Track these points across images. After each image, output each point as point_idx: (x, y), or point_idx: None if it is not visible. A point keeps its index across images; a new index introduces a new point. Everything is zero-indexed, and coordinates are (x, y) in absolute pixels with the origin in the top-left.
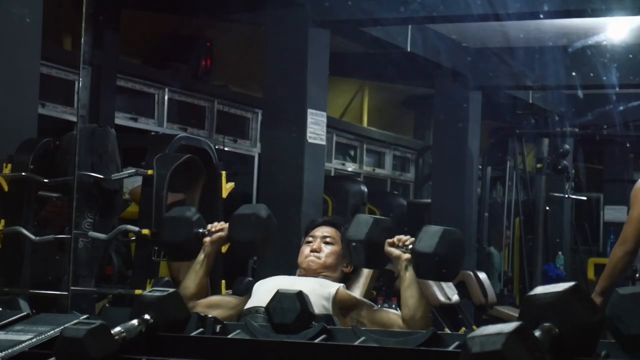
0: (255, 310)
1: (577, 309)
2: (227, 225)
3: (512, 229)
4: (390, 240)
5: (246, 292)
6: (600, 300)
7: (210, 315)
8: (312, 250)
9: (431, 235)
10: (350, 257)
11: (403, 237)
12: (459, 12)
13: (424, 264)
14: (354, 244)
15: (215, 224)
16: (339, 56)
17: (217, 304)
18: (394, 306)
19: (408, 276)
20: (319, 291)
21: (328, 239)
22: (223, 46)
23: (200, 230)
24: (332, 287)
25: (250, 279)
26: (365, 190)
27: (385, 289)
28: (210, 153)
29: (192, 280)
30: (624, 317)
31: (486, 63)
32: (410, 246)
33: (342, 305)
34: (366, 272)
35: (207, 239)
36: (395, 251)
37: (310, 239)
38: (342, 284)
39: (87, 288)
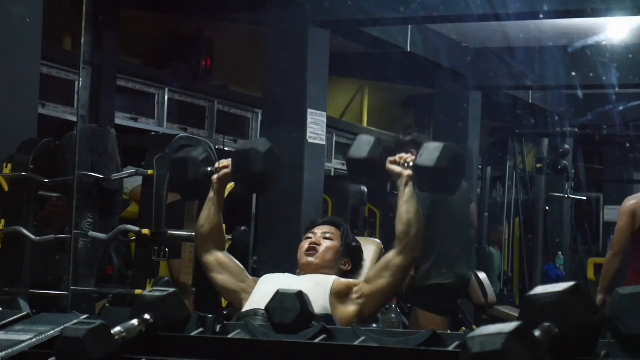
0: (254, 312)
1: (577, 309)
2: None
3: (512, 228)
4: (392, 159)
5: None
6: (601, 298)
7: (214, 277)
8: (312, 244)
9: (432, 150)
10: (352, 175)
11: (405, 155)
12: (459, 12)
13: (426, 178)
14: (355, 160)
15: (222, 160)
16: (339, 56)
17: (226, 267)
18: (393, 306)
19: (407, 192)
20: (317, 288)
21: (328, 235)
22: (223, 46)
23: (209, 169)
24: (328, 283)
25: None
26: (365, 190)
27: None
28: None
29: (205, 218)
30: (624, 317)
31: (486, 63)
32: (412, 164)
33: (339, 294)
34: (365, 271)
35: (215, 176)
36: (397, 168)
37: (310, 235)
38: (336, 277)
39: (87, 288)
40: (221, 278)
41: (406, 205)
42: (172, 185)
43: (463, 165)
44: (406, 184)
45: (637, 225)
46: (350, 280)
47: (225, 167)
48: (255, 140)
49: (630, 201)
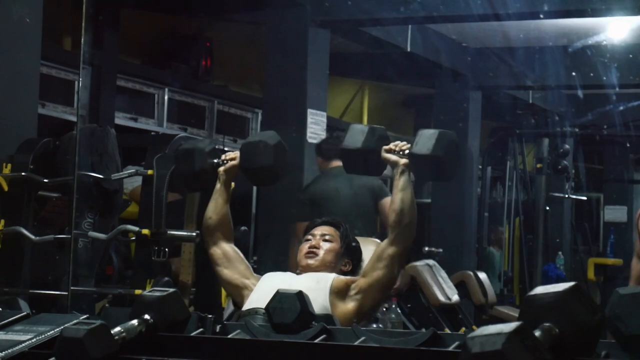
0: (255, 311)
1: (577, 309)
2: (239, 153)
3: (512, 228)
4: (387, 147)
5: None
6: None
7: (220, 270)
8: (311, 247)
9: (428, 137)
10: (347, 166)
11: (400, 143)
12: (459, 12)
13: (422, 166)
14: (350, 149)
15: (229, 153)
16: (339, 56)
17: (232, 261)
18: (393, 306)
19: (402, 180)
20: (317, 287)
21: (327, 237)
22: (223, 46)
23: (215, 161)
24: (328, 280)
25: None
26: None
27: None
28: None
29: (212, 209)
30: (624, 317)
31: (486, 63)
32: (407, 152)
33: (339, 291)
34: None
35: (221, 168)
36: (393, 157)
37: (309, 237)
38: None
39: (87, 288)
40: (226, 272)
41: (401, 194)
42: (179, 177)
43: (459, 151)
44: (402, 173)
45: None
46: (349, 277)
47: (232, 159)
48: (264, 133)
49: None
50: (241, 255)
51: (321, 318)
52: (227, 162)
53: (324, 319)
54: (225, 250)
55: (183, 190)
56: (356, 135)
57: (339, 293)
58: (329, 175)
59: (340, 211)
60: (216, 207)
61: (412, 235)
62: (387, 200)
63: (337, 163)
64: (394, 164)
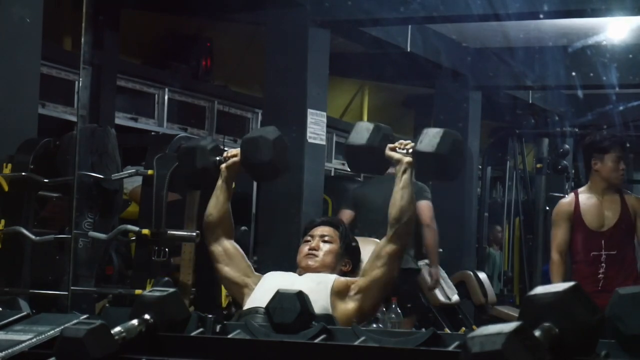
0: (255, 310)
1: (577, 309)
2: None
3: (512, 228)
4: (391, 145)
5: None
6: None
7: (220, 268)
8: (311, 249)
9: (432, 136)
10: (350, 164)
11: (404, 141)
12: (459, 12)
13: (426, 164)
14: (354, 146)
15: (231, 150)
16: (339, 56)
17: (232, 259)
18: (393, 306)
19: (404, 178)
20: (318, 288)
21: (326, 238)
22: (223, 46)
23: (217, 158)
24: (329, 281)
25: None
26: None
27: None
28: None
29: (213, 206)
30: (624, 317)
31: (486, 63)
32: (411, 150)
33: (339, 292)
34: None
35: (223, 165)
36: (397, 155)
37: (308, 238)
38: (337, 275)
39: (87, 288)
40: (227, 270)
41: (401, 192)
42: (181, 175)
43: (463, 150)
44: (405, 171)
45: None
46: (349, 278)
47: (234, 155)
48: (264, 128)
49: None
50: (242, 252)
51: (321, 318)
52: (228, 159)
53: (324, 319)
54: (226, 248)
55: (183, 190)
56: (361, 132)
57: (339, 294)
58: (378, 180)
59: (372, 218)
60: (217, 203)
61: (409, 233)
62: (422, 204)
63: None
64: (398, 162)
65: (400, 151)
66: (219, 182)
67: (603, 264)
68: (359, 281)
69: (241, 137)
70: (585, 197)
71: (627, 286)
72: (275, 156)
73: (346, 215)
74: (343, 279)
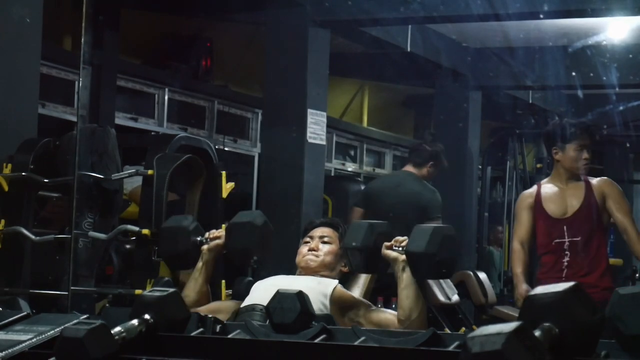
0: (252, 307)
1: (577, 309)
2: (224, 232)
3: (512, 229)
4: (387, 244)
5: (246, 293)
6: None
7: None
8: (310, 250)
9: (421, 234)
10: (350, 264)
11: (400, 238)
12: (459, 12)
13: (417, 264)
14: (351, 248)
15: (213, 231)
16: (339, 56)
17: (218, 309)
18: (393, 306)
19: (405, 277)
20: (317, 289)
21: (326, 239)
22: (223, 46)
23: (198, 239)
24: (329, 286)
25: (250, 278)
26: None
27: (385, 289)
28: (210, 153)
29: (191, 288)
30: (624, 317)
31: (486, 63)
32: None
33: (339, 303)
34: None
35: (205, 247)
36: (392, 253)
37: (308, 239)
38: (338, 282)
39: (87, 288)
40: (222, 317)
41: (406, 291)
42: (162, 255)
43: (454, 246)
44: (403, 269)
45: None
46: (357, 299)
47: (217, 237)
48: (250, 213)
49: None
50: (222, 296)
51: (321, 318)
52: (210, 241)
53: (324, 319)
54: (206, 310)
55: (183, 191)
56: (356, 233)
57: (339, 305)
58: (389, 177)
59: (383, 216)
60: (195, 285)
61: (424, 325)
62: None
63: (407, 168)
64: (394, 261)
65: (396, 249)
66: (199, 264)
67: (567, 252)
68: (370, 315)
69: (241, 137)
70: (548, 187)
71: (594, 277)
72: (261, 242)
73: (357, 213)
74: (346, 292)
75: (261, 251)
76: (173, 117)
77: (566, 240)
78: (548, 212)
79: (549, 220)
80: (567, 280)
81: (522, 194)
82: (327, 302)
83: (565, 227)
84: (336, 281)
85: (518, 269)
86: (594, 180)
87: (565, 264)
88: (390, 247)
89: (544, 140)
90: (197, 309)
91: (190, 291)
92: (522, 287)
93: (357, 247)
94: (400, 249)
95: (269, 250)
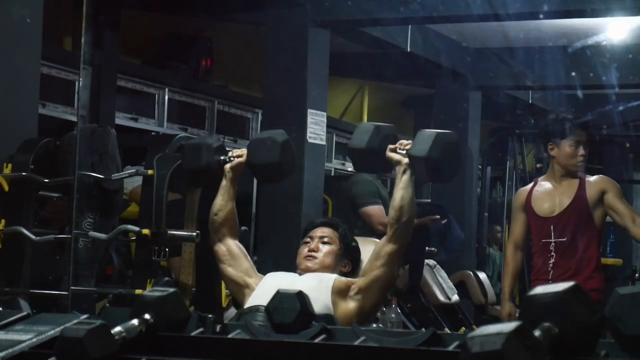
0: (256, 309)
1: (577, 309)
2: (246, 150)
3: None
4: (392, 146)
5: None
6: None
7: (224, 268)
8: (310, 250)
9: (425, 139)
10: (354, 164)
11: (404, 142)
12: (459, 12)
13: (419, 168)
14: (356, 148)
15: (235, 150)
16: (339, 56)
17: (236, 259)
18: (393, 306)
19: (404, 179)
20: (318, 287)
21: (326, 239)
22: (223, 46)
23: (222, 157)
24: (330, 280)
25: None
26: None
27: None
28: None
29: (219, 205)
30: (624, 317)
31: (486, 63)
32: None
33: (340, 291)
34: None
35: (228, 165)
36: (396, 156)
37: (307, 239)
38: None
39: (87, 288)
40: (229, 270)
41: (401, 192)
42: (184, 172)
43: (457, 152)
44: (404, 172)
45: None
46: (350, 279)
47: (239, 156)
48: (273, 131)
49: None
50: (245, 253)
51: (321, 318)
52: (234, 159)
53: (324, 319)
54: (229, 247)
55: (184, 188)
56: (362, 134)
57: (340, 293)
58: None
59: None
60: (223, 203)
61: (409, 233)
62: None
63: None
64: (397, 163)
65: (400, 152)
66: (224, 182)
67: (553, 252)
68: (359, 281)
69: (241, 138)
70: (542, 185)
71: (581, 278)
72: (282, 158)
73: (378, 210)
74: (344, 279)
75: (281, 168)
76: (173, 117)
77: (552, 240)
78: (536, 211)
79: (538, 219)
80: (553, 282)
81: (518, 191)
82: (330, 300)
83: (552, 226)
84: (335, 275)
85: (506, 281)
86: (591, 178)
87: (551, 265)
88: (394, 150)
89: (541, 136)
90: (226, 233)
91: (218, 208)
92: (506, 306)
93: (362, 149)
94: (404, 152)
95: (290, 167)
